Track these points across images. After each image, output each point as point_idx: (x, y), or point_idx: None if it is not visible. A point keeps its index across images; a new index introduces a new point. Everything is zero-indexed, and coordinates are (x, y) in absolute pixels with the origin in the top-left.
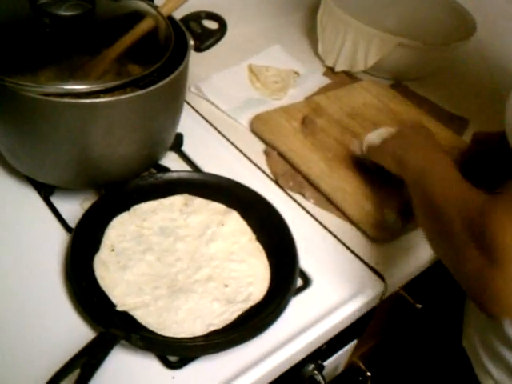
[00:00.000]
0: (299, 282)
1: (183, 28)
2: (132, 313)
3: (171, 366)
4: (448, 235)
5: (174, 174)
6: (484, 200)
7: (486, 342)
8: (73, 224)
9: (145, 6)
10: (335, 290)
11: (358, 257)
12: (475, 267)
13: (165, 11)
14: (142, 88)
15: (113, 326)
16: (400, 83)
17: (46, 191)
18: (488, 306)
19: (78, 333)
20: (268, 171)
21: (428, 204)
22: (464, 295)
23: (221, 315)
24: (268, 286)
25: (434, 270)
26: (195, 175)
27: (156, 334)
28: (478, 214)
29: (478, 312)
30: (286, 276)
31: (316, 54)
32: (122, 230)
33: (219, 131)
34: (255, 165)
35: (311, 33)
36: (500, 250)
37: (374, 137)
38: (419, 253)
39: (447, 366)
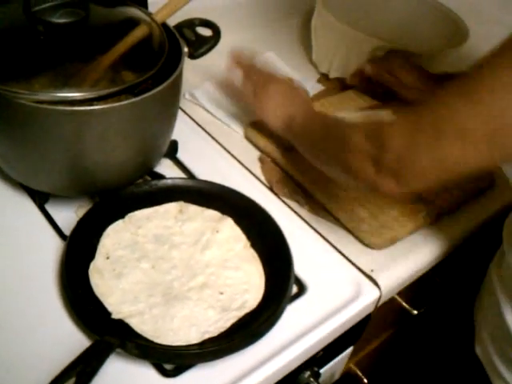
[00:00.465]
0: (294, 289)
1: (177, 35)
2: (127, 321)
3: (167, 374)
4: (342, 151)
5: (169, 181)
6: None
7: (501, 349)
8: (67, 231)
9: (139, 13)
10: (330, 297)
11: (352, 263)
12: (370, 159)
13: (159, 18)
14: (136, 95)
15: (108, 334)
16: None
17: (40, 198)
18: (385, 186)
19: (73, 341)
20: (263, 178)
21: (321, 145)
22: (463, 301)
23: (216, 323)
24: (263, 294)
25: (430, 276)
26: (190, 182)
27: (151, 342)
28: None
29: (490, 319)
30: (281, 283)
31: (310, 60)
32: (116, 237)
33: (214, 138)
34: (250, 172)
35: (305, 40)
36: (387, 137)
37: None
38: (414, 259)
39: (444, 371)
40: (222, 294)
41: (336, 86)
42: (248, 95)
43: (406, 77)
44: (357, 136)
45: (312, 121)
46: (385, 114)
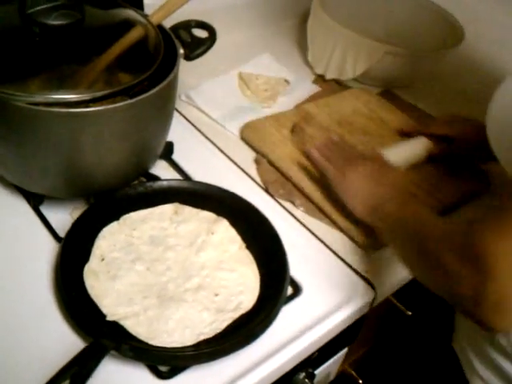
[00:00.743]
0: (289, 291)
1: (173, 37)
2: (122, 323)
3: (162, 375)
4: (437, 268)
5: (164, 183)
6: (467, 225)
7: (477, 345)
8: (62, 233)
9: (135, 15)
10: (325, 298)
11: (347, 265)
12: (469, 287)
13: (154, 20)
14: (131, 97)
15: (103, 337)
16: (389, 91)
17: (35, 200)
18: (486, 321)
19: (67, 343)
20: (258, 179)
21: (411, 247)
22: None
23: (211, 324)
24: (258, 295)
25: None
26: (185, 184)
27: (146, 344)
28: (464, 237)
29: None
30: (277, 284)
31: (306, 62)
32: (111, 239)
33: (209, 139)
34: (245, 173)
35: (301, 41)
36: (491, 263)
37: (392, 157)
38: None
39: (438, 372)
40: (217, 295)
41: (332, 87)
42: (329, 176)
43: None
44: (449, 256)
45: (404, 211)
46: (422, 144)
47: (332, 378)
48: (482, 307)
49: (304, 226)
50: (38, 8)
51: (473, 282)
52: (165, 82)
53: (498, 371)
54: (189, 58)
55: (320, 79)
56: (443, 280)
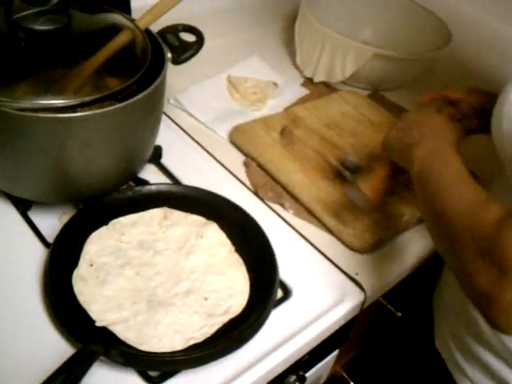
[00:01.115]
0: (279, 294)
1: (160, 41)
2: (111, 328)
3: (152, 381)
4: (456, 245)
5: (153, 187)
6: (498, 216)
7: (460, 341)
8: (51, 239)
9: (122, 20)
10: (315, 301)
11: (337, 267)
12: (485, 280)
13: (142, 24)
14: (119, 101)
15: (92, 342)
16: (377, 93)
17: (23, 206)
18: (498, 320)
19: (56, 349)
20: (247, 182)
21: (434, 207)
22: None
23: (201, 329)
24: (248, 298)
25: (414, 279)
26: (174, 188)
27: (135, 350)
28: (491, 229)
29: (449, 311)
30: (266, 288)
31: (294, 64)
32: (100, 244)
33: (198, 143)
34: (235, 176)
35: (289, 44)
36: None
37: None
38: (398, 262)
39: (428, 373)
40: (206, 299)
41: (321, 89)
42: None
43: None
44: (469, 242)
45: (432, 162)
46: None
47: (323, 380)
48: (495, 304)
49: (293, 228)
50: (24, 13)
51: (490, 275)
52: (152, 86)
53: (483, 366)
54: (176, 62)
55: (309, 82)
56: (459, 265)
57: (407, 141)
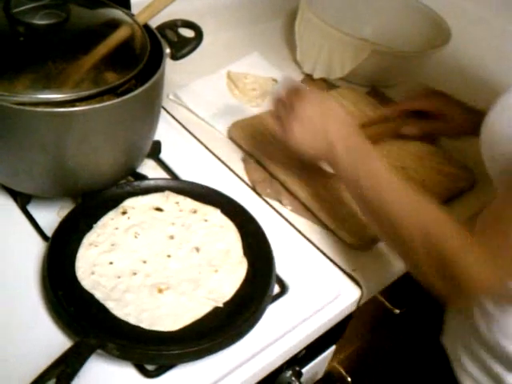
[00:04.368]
0: (276, 289)
1: (158, 36)
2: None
3: (148, 374)
4: (404, 246)
5: (152, 182)
6: (460, 238)
7: (465, 342)
8: (49, 233)
9: (121, 15)
10: (312, 297)
11: (334, 263)
12: (441, 288)
13: (141, 19)
14: (118, 96)
15: (89, 335)
16: (376, 90)
17: (22, 200)
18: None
19: (54, 342)
20: (246, 178)
21: (374, 208)
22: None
23: (191, 310)
24: (243, 292)
25: (411, 275)
26: (173, 183)
27: (132, 343)
28: (452, 252)
29: (458, 315)
30: (263, 283)
31: (294, 61)
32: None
33: (197, 138)
34: (233, 172)
35: (289, 40)
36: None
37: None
38: (396, 259)
39: (426, 369)
40: (199, 286)
41: (320, 86)
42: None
43: (450, 112)
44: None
45: (356, 162)
46: None
47: (320, 376)
48: (451, 303)
49: (291, 224)
50: (23, 8)
51: (446, 287)
52: (151, 81)
53: (487, 370)
54: (175, 57)
55: (308, 78)
56: (410, 264)
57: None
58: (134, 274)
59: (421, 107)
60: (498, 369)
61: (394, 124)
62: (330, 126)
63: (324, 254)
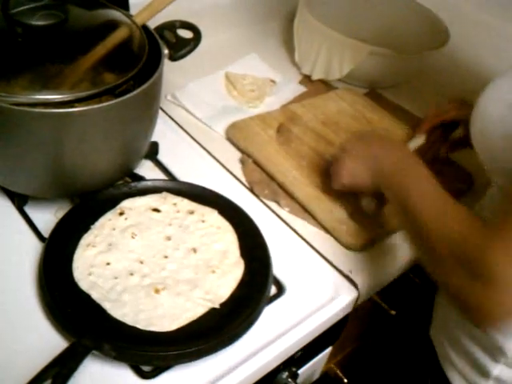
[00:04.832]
0: (273, 290)
1: (157, 37)
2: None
3: (144, 375)
4: (435, 255)
5: (149, 183)
6: (482, 234)
7: (452, 333)
8: (46, 233)
9: (119, 15)
10: (309, 298)
11: (331, 264)
12: (473, 297)
13: (139, 20)
14: (116, 97)
15: (85, 337)
16: (374, 91)
17: (19, 200)
18: (485, 325)
19: (50, 343)
20: (243, 179)
21: (413, 223)
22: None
23: (188, 311)
24: (236, 286)
25: (409, 277)
26: (170, 184)
27: (128, 344)
28: (476, 247)
29: (446, 307)
30: (260, 284)
31: (292, 62)
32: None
33: (195, 139)
34: (231, 173)
35: (288, 41)
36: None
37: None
38: (392, 260)
39: (420, 369)
40: (197, 286)
41: (318, 87)
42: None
43: None
44: (449, 262)
45: (403, 176)
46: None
47: (316, 377)
48: (487, 316)
49: (288, 225)
50: (21, 8)
51: (469, 282)
52: (149, 82)
53: (473, 361)
54: (173, 58)
55: (306, 80)
56: (437, 266)
57: (363, 159)
58: (131, 274)
59: (454, 118)
60: (484, 359)
61: (435, 146)
62: (377, 152)
63: (321, 255)
